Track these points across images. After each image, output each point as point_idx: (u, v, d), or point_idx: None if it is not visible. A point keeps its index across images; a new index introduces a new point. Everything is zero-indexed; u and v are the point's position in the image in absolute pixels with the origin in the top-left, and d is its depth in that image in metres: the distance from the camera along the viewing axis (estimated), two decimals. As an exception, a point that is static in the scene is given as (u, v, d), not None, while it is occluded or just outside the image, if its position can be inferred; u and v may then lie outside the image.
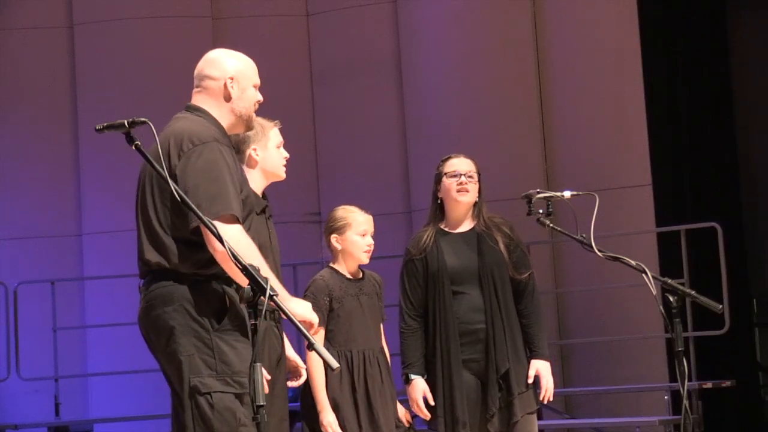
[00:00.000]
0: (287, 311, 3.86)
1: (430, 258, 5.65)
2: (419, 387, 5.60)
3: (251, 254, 4.07)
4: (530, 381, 5.62)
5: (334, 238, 5.55)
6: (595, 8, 9.93)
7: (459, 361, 5.57)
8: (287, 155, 5.17)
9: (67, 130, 10.68)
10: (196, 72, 4.47)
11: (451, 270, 5.63)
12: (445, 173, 5.70)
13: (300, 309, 4.26)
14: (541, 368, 5.64)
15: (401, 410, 5.64)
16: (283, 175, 5.17)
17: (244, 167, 4.96)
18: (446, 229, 5.74)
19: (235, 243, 3.98)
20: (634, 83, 9.62)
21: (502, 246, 5.66)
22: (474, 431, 5.58)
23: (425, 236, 5.71)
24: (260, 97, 4.49)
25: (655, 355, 9.30)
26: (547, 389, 5.63)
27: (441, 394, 5.58)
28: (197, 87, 4.45)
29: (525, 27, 10.17)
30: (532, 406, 5.64)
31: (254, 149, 5.07)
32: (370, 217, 5.62)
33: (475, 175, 5.70)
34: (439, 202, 5.75)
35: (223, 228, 4.03)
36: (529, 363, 5.64)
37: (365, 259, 5.56)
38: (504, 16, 10.14)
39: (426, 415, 5.59)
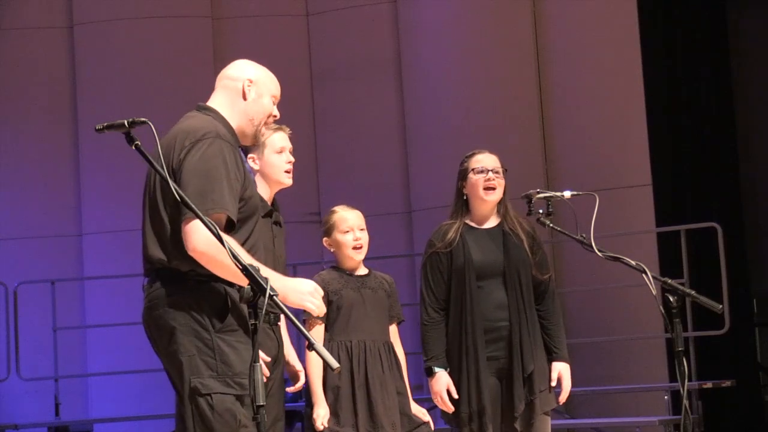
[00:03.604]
0: (288, 313, 3.85)
1: (455, 252, 5.59)
2: (443, 380, 5.55)
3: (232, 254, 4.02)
4: (554, 383, 5.60)
5: (325, 241, 5.61)
6: (595, 8, 9.93)
7: (485, 358, 5.53)
8: (291, 160, 5.13)
9: (67, 130, 10.68)
10: (218, 75, 4.47)
11: (477, 266, 5.58)
12: (472, 169, 5.63)
13: (305, 286, 4.20)
14: (563, 370, 5.63)
15: (417, 407, 5.61)
16: (286, 182, 5.12)
17: None
18: (472, 225, 5.69)
19: (211, 244, 3.92)
20: (634, 83, 9.62)
21: (526, 246, 5.64)
22: (495, 429, 5.57)
23: (452, 230, 5.64)
24: (276, 112, 4.47)
25: (655, 355, 9.30)
26: (567, 391, 5.64)
27: (466, 390, 5.53)
28: (215, 87, 4.46)
29: (525, 27, 10.16)
30: (551, 405, 5.63)
31: (252, 158, 5.07)
32: (357, 212, 5.60)
33: (501, 171, 5.66)
34: (464, 198, 5.69)
35: (199, 227, 3.98)
36: (549, 364, 5.63)
37: (356, 256, 5.56)
38: (504, 16, 10.14)
39: (450, 408, 5.54)
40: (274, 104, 4.47)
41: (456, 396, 5.54)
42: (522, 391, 5.53)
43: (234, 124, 4.38)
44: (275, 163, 5.08)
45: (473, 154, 5.71)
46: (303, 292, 4.20)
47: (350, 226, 5.55)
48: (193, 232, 4.01)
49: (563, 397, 5.64)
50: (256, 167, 5.07)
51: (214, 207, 4.08)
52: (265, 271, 3.95)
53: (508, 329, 5.56)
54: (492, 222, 5.70)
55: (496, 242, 5.64)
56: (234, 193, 4.16)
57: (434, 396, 5.58)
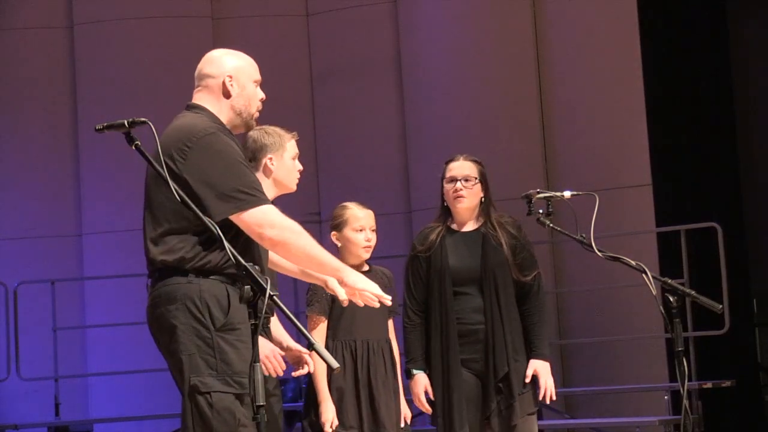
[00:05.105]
0: (288, 313, 3.85)
1: (434, 256, 5.68)
2: (421, 382, 5.64)
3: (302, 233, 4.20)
4: (527, 380, 5.62)
5: (333, 235, 5.61)
6: (595, 8, 9.93)
7: (458, 362, 5.59)
8: (301, 168, 5.15)
9: (67, 130, 10.68)
10: (196, 72, 4.49)
11: (453, 270, 5.66)
12: (444, 177, 5.75)
13: (358, 279, 4.35)
14: (539, 368, 5.64)
15: (404, 408, 5.63)
16: (294, 188, 5.15)
17: (259, 175, 4.92)
18: (454, 228, 5.76)
19: (284, 228, 4.12)
20: (634, 83, 9.62)
21: (506, 247, 5.66)
22: (474, 431, 5.58)
23: (433, 234, 5.73)
24: (262, 95, 4.49)
25: (655, 355, 9.30)
26: (547, 389, 5.63)
27: (440, 394, 5.61)
28: (197, 86, 4.47)
29: (525, 27, 10.16)
30: (532, 407, 5.64)
31: (270, 158, 5.05)
32: (369, 212, 5.62)
33: (474, 178, 5.71)
34: (445, 204, 5.78)
35: (269, 211, 4.15)
36: (528, 363, 5.65)
37: (365, 255, 5.58)
38: (504, 15, 10.14)
39: (428, 409, 5.64)
40: (256, 87, 4.48)
41: (433, 397, 5.62)
42: (493, 395, 5.57)
43: (224, 119, 4.41)
44: (290, 169, 5.09)
45: (449, 161, 5.80)
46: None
47: (363, 225, 5.57)
48: (260, 224, 4.11)
49: (542, 395, 5.63)
50: (272, 168, 5.06)
51: (265, 198, 4.20)
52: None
53: (485, 332, 5.61)
54: (471, 225, 5.76)
55: (474, 246, 5.70)
56: (254, 176, 4.29)
57: (414, 397, 5.67)
